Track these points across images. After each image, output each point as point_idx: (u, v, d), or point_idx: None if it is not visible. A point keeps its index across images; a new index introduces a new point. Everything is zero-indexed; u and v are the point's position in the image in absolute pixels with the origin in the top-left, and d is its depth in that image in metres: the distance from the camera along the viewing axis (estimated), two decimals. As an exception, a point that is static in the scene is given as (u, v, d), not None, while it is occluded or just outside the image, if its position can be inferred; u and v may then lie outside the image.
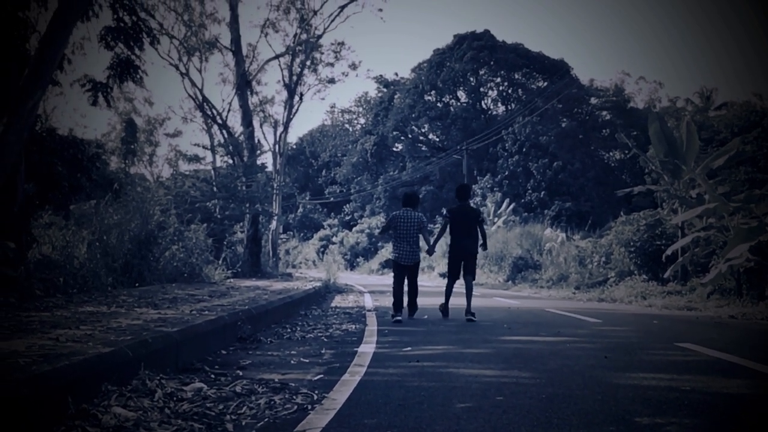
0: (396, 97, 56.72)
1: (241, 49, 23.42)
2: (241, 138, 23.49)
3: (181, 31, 26.47)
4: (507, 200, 40.33)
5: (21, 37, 9.06)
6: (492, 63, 52.38)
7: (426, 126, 56.12)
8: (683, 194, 16.95)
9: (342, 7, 27.65)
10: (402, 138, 57.02)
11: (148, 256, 12.68)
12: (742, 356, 6.25)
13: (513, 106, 52.96)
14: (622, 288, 17.74)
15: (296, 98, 29.88)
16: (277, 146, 32.43)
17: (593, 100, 50.72)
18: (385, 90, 59.41)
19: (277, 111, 43.45)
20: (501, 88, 55.18)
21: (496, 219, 38.09)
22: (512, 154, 46.44)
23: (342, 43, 31.95)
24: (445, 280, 11.04)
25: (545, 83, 50.59)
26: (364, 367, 5.57)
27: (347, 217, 59.25)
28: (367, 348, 6.75)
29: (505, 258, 28.66)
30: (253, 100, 27.87)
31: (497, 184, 45.25)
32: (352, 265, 49.42)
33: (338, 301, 14.44)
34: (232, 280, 16.69)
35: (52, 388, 3.50)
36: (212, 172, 27.70)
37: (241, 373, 5.16)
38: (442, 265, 22.37)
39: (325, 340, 7.52)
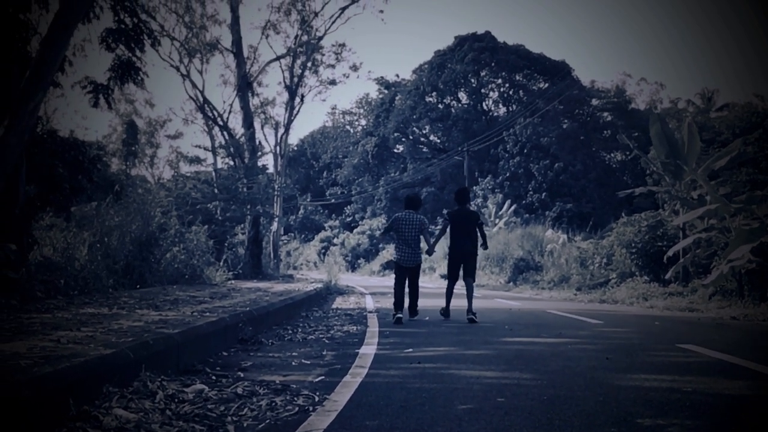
0: (397, 98, 56.74)
1: (242, 50, 23.43)
2: (242, 139, 23.48)
3: (182, 32, 26.53)
4: (508, 201, 40.32)
5: (22, 39, 9.07)
6: (493, 64, 52.42)
7: (427, 127, 56.16)
8: (684, 195, 16.94)
9: (343, 9, 27.67)
10: (403, 139, 57.05)
11: (149, 257, 12.69)
12: (744, 357, 6.24)
13: (514, 107, 52.99)
14: (624, 289, 17.73)
15: (297, 100, 29.91)
16: (278, 148, 32.47)
17: (594, 102, 50.74)
18: (386, 91, 59.44)
19: (278, 112, 43.62)
20: (502, 89, 55.22)
21: (497, 220, 38.09)
22: (513, 156, 46.45)
23: (343, 45, 31.97)
24: (446, 282, 11.10)
25: (546, 84, 50.61)
26: (365, 368, 5.56)
27: (348, 219, 59.25)
28: (369, 349, 6.75)
29: (506, 259, 28.65)
30: (254, 101, 27.93)
31: (498, 186, 45.26)
32: (353, 267, 49.42)
33: (339, 302, 14.44)
34: (233, 281, 16.70)
35: (54, 389, 3.50)
36: (213, 173, 27.74)
37: (242, 375, 5.16)
38: (443, 267, 22.38)
39: (327, 341, 7.51)
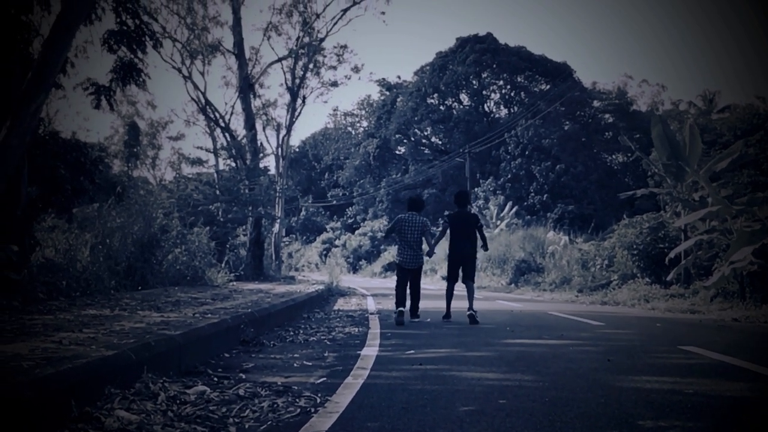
0: (398, 100, 56.76)
1: (243, 52, 23.41)
2: (244, 141, 23.47)
3: (184, 34, 26.52)
4: (510, 203, 40.31)
5: (24, 41, 9.08)
6: (494, 66, 52.44)
7: (429, 129, 56.16)
8: (686, 197, 16.93)
9: (344, 11, 27.63)
10: (405, 141, 57.05)
11: (151, 259, 12.69)
12: (746, 359, 6.23)
13: (516, 109, 52.99)
14: (625, 291, 17.72)
15: (299, 101, 29.90)
16: (279, 149, 32.45)
17: (596, 103, 50.76)
18: (387, 93, 59.45)
19: (280, 114, 43.49)
20: (504, 91, 55.23)
21: (498, 222, 38.08)
22: (515, 157, 46.45)
23: (345, 46, 31.92)
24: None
25: (548, 86, 50.61)
26: (367, 370, 5.56)
27: (350, 220, 59.24)
28: (370, 351, 6.75)
29: (507, 261, 28.62)
30: (255, 103, 27.93)
31: (500, 187, 45.25)
32: (354, 268, 49.40)
33: (341, 304, 14.44)
34: (234, 283, 16.69)
35: (55, 391, 3.51)
36: (215, 175, 27.70)
37: (244, 376, 5.16)
38: (445, 269, 22.36)
39: (328, 343, 7.51)
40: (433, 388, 4.76)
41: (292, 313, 10.18)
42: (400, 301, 10.17)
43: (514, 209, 39.38)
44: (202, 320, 6.62)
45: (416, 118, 54.03)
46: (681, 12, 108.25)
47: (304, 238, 61.02)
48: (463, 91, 54.85)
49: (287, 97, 29.99)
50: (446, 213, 12.48)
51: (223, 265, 17.82)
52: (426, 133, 57.14)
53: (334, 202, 60.69)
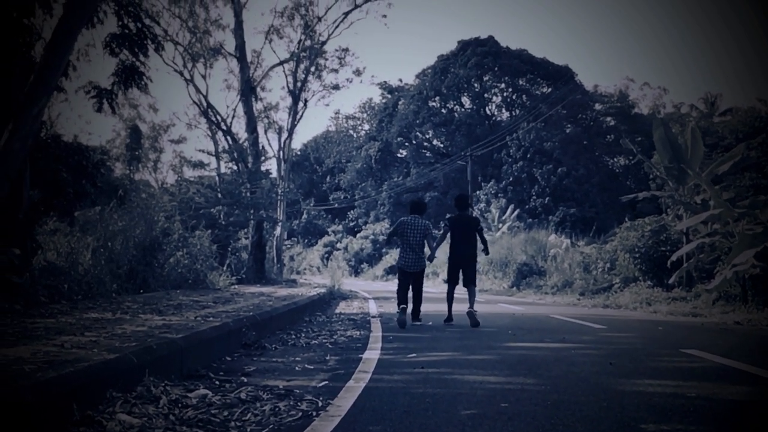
0: (400, 103, 56.75)
1: (245, 55, 23.46)
2: (246, 144, 23.51)
3: (186, 37, 26.61)
4: (511, 206, 40.31)
5: (26, 44, 9.09)
6: (496, 69, 52.43)
7: (430, 132, 56.16)
8: (688, 200, 16.91)
9: (346, 14, 27.69)
10: (406, 144, 57.04)
11: (153, 262, 12.70)
12: (748, 363, 6.22)
13: (517, 112, 53.00)
14: (627, 294, 17.70)
15: (300, 104, 29.90)
16: (281, 152, 32.47)
17: (597, 106, 50.76)
18: (389, 96, 59.45)
19: (282, 117, 43.47)
20: (505, 94, 55.22)
21: (500, 225, 38.07)
22: (516, 160, 46.44)
23: (346, 50, 31.95)
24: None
25: (549, 89, 50.61)
26: (368, 373, 5.56)
27: (351, 224, 59.25)
28: (372, 354, 6.74)
29: (509, 264, 28.59)
30: (257, 106, 27.88)
31: (501, 190, 45.24)
32: (356, 272, 49.41)
33: (343, 307, 14.44)
34: (236, 286, 16.71)
35: (57, 394, 3.51)
36: (217, 178, 27.76)
37: (245, 380, 5.16)
38: (446, 272, 22.33)
39: (330, 346, 7.51)
40: (435, 392, 4.75)
41: (293, 317, 10.18)
42: (401, 301, 10.19)
43: (516, 212, 39.38)
44: (203, 323, 6.62)
45: (418, 121, 54.06)
46: (682, 15, 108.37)
47: (306, 241, 61.02)
48: (465, 94, 54.85)
49: (289, 100, 30.04)
50: (447, 216, 12.47)
51: (224, 268, 17.83)
52: (428, 136, 57.16)
53: (336, 205, 60.69)
